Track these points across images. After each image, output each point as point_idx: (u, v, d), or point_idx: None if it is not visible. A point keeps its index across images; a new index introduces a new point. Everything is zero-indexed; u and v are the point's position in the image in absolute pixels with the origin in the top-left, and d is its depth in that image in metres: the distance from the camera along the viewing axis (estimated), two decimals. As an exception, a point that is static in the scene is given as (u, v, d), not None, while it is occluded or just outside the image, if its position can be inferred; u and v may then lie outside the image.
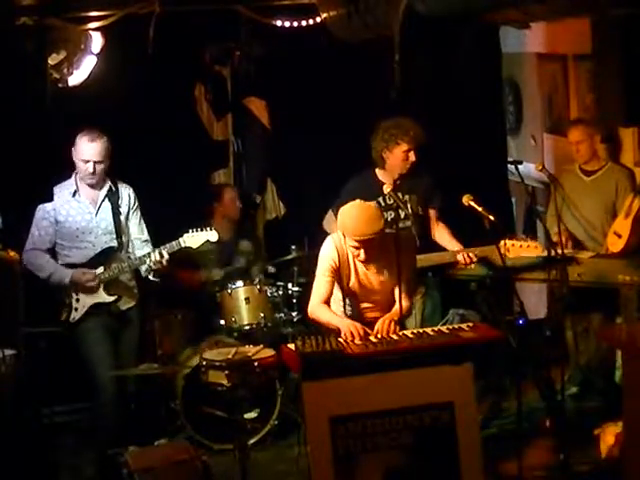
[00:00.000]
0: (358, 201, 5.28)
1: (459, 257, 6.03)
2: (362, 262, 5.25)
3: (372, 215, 5.15)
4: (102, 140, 5.72)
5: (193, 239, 5.80)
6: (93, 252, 5.78)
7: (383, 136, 6.04)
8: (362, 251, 5.17)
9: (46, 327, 5.74)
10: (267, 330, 6.48)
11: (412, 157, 6.04)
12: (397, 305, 5.30)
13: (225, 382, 5.11)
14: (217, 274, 6.78)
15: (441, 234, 6.24)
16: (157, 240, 5.97)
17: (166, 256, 5.73)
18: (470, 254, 6.00)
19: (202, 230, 5.82)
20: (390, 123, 6.06)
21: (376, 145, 6.09)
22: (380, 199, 6.03)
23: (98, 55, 6.29)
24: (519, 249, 5.97)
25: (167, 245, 5.76)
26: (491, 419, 6.16)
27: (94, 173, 5.73)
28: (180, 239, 5.79)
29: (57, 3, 5.93)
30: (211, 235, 5.84)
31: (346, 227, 5.17)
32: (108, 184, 5.87)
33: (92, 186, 5.82)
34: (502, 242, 5.76)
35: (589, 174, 6.48)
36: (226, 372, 5.11)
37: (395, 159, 6.06)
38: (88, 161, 5.70)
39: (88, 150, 5.70)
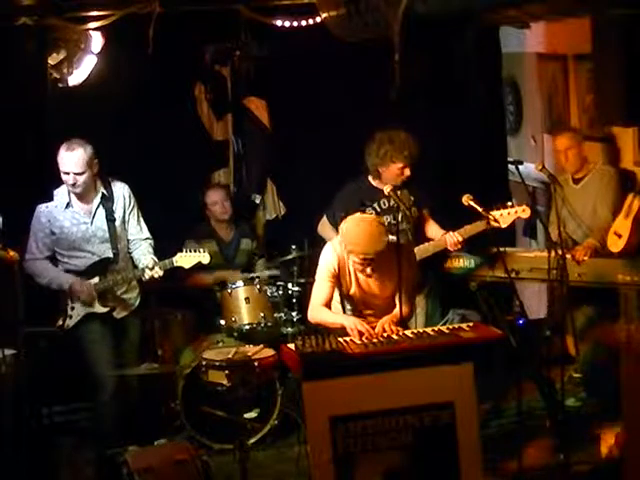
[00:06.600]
0: (360, 216, 5.29)
1: (447, 238, 6.07)
2: (367, 275, 5.26)
3: (376, 231, 5.14)
4: (82, 149, 5.55)
5: (185, 260, 5.82)
6: (92, 260, 5.76)
7: (378, 152, 6.05)
8: (368, 268, 5.19)
9: (46, 327, 5.74)
10: (267, 330, 6.47)
11: (407, 173, 6.09)
12: (397, 309, 5.30)
13: (225, 382, 5.11)
14: (234, 276, 6.73)
15: (433, 231, 6.28)
16: (157, 241, 5.98)
17: (160, 273, 5.73)
18: (455, 234, 6.05)
19: (196, 251, 5.85)
20: (384, 137, 6.06)
21: (371, 159, 6.10)
22: (376, 204, 6.07)
23: (98, 55, 6.30)
24: (508, 216, 6.04)
25: (159, 263, 5.76)
26: (491, 419, 6.16)
27: (75, 185, 5.60)
28: (173, 258, 5.79)
29: (57, 3, 5.93)
30: (203, 257, 5.86)
31: (351, 244, 5.17)
32: (101, 190, 5.76)
33: (82, 195, 5.71)
34: (491, 215, 5.79)
35: (577, 182, 6.47)
36: (226, 372, 5.11)
37: (390, 174, 6.09)
38: (68, 173, 5.57)
39: (66, 161, 5.56)
